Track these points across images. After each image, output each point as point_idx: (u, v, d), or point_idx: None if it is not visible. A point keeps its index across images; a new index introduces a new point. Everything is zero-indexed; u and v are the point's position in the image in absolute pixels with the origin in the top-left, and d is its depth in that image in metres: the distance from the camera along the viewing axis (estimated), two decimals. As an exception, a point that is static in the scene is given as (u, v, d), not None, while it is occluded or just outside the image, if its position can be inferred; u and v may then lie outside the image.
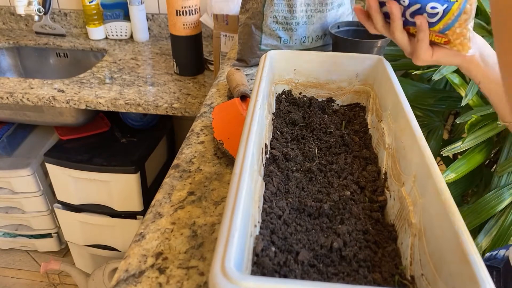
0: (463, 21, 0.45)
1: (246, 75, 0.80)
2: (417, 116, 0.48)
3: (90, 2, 1.39)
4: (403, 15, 0.48)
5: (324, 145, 0.52)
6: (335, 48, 0.81)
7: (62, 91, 1.12)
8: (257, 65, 0.87)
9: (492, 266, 0.57)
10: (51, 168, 1.24)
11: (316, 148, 0.51)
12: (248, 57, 0.86)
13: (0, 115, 1.20)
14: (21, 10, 1.38)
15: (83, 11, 1.46)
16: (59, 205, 1.34)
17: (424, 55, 0.49)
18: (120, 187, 1.22)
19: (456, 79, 0.87)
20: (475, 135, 0.80)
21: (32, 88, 1.13)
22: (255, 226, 0.36)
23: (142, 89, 1.15)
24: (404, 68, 1.09)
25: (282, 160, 0.48)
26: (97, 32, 1.47)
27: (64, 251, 1.63)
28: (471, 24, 0.46)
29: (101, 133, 1.32)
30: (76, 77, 1.21)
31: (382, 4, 0.50)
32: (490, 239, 0.83)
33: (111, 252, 1.40)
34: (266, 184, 0.43)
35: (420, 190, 0.36)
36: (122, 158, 1.21)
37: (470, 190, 0.99)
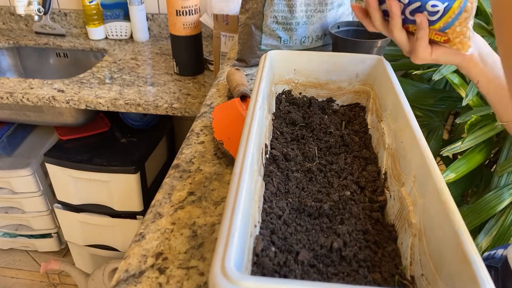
0: (463, 19, 0.45)
1: (246, 75, 0.80)
2: (417, 116, 0.48)
3: (90, 2, 1.39)
4: (403, 13, 0.48)
5: (324, 145, 0.52)
6: (335, 48, 0.81)
7: (62, 91, 1.12)
8: (257, 65, 0.87)
9: (490, 265, 0.57)
10: (51, 168, 1.24)
11: (316, 148, 0.51)
12: (248, 57, 0.86)
13: (0, 115, 1.20)
14: (21, 10, 1.38)
15: (83, 11, 1.46)
16: (59, 205, 1.34)
17: (423, 54, 0.49)
18: (120, 187, 1.22)
19: (456, 79, 0.87)
20: (475, 135, 0.80)
21: (32, 88, 1.13)
22: (255, 226, 0.36)
23: (142, 89, 1.15)
24: (404, 68, 1.09)
25: (282, 160, 0.48)
26: (97, 32, 1.47)
27: (64, 251, 1.63)
28: (471, 23, 0.46)
29: (101, 133, 1.32)
30: (76, 77, 1.21)
31: (381, 1, 0.50)
32: (490, 239, 0.82)
33: (111, 252, 1.40)
34: (266, 184, 0.43)
35: (420, 190, 0.36)
36: (122, 158, 1.21)
37: (470, 190, 0.99)
